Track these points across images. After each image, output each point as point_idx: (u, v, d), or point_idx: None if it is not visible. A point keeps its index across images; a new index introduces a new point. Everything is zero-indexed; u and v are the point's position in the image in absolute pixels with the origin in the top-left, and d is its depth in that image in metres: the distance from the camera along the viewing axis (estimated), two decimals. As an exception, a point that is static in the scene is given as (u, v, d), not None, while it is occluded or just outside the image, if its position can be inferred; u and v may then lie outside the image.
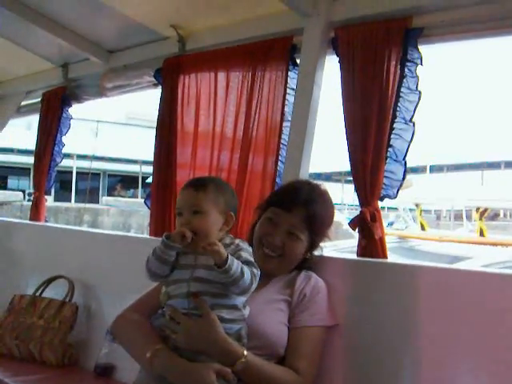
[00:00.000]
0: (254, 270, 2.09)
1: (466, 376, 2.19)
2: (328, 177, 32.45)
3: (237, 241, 2.17)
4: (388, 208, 25.35)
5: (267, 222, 2.41)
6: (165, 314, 2.17)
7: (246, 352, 2.12)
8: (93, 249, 3.82)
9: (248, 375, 2.13)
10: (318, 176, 28.69)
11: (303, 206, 2.34)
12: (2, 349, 3.52)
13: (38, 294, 3.70)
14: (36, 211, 4.67)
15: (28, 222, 4.73)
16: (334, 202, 2.54)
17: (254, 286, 2.08)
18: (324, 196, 2.46)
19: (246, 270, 2.04)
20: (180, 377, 2.06)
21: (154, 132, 3.70)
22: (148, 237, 3.73)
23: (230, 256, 2.00)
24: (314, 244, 2.43)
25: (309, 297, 2.35)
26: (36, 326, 3.52)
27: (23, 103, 5.07)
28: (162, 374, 2.09)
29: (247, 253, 2.12)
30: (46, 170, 4.59)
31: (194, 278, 2.09)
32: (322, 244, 2.49)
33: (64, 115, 4.53)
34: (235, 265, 2.00)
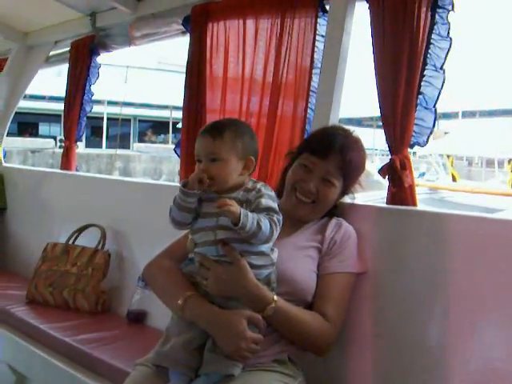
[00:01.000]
0: (275, 217, 2.06)
1: (496, 328, 2.18)
2: (359, 122, 32.21)
3: (258, 185, 2.13)
4: (419, 158, 25.14)
5: (301, 168, 2.39)
6: (193, 260, 2.19)
7: (276, 297, 2.14)
8: (124, 197, 3.87)
9: (277, 320, 2.15)
10: (349, 121, 28.49)
11: (339, 152, 2.32)
12: (36, 296, 3.61)
13: (70, 242, 3.77)
14: (67, 160, 4.70)
15: (59, 170, 4.78)
16: (365, 147, 2.53)
17: (276, 233, 2.07)
18: (358, 143, 2.44)
19: (264, 220, 2.02)
20: (211, 323, 2.08)
21: (183, 77, 3.69)
22: (178, 184, 3.71)
23: (243, 212, 1.97)
24: (346, 190, 2.44)
25: (339, 243, 2.36)
26: (69, 274, 3.60)
27: (52, 53, 5.04)
28: (193, 321, 2.11)
29: (269, 199, 2.09)
30: (76, 118, 4.60)
31: (219, 226, 2.08)
32: (353, 191, 2.49)
33: (93, 64, 4.51)
34: (250, 220, 1.97)
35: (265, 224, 2.01)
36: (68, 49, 4.73)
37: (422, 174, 21.32)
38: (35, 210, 4.56)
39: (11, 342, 3.25)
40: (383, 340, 2.44)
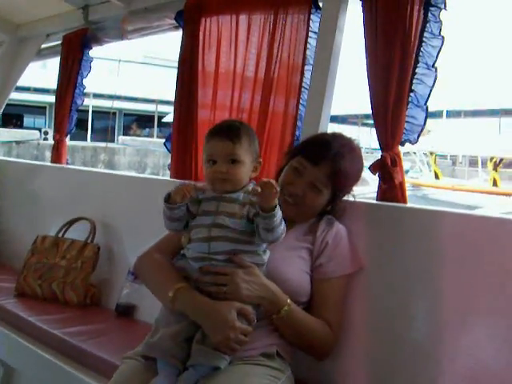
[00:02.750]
0: (283, 216, 2.11)
1: (484, 324, 2.21)
2: (344, 119, 32.20)
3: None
4: (403, 155, 25.17)
5: (292, 170, 2.42)
6: (186, 255, 2.21)
7: (289, 300, 2.19)
8: (114, 191, 3.87)
9: (287, 323, 2.20)
10: (334, 118, 28.48)
11: (331, 160, 2.34)
12: (25, 288, 3.60)
13: (60, 235, 3.77)
14: (57, 153, 4.70)
15: (49, 163, 4.78)
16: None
17: (283, 234, 2.12)
18: (354, 152, 2.45)
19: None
20: (201, 313, 2.10)
21: (169, 71, 3.70)
22: (169, 179, 3.75)
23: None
24: (335, 198, 2.44)
25: (331, 245, 2.37)
26: (58, 267, 3.60)
27: (43, 46, 5.04)
28: (183, 312, 2.13)
29: None
30: (67, 112, 4.60)
31: (215, 223, 2.12)
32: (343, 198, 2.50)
33: (85, 58, 4.51)
34: (279, 213, 2.04)
35: (282, 222, 2.07)
36: (60, 42, 4.73)
37: (407, 172, 21.36)
38: (25, 202, 4.55)
39: (0, 334, 3.24)
40: (373, 336, 2.46)
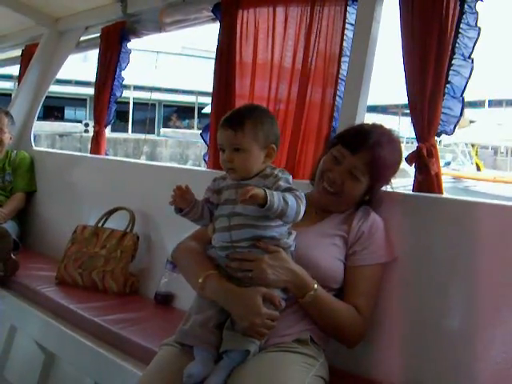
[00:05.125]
0: (297, 193, 2.10)
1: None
2: (384, 109, 31.96)
3: (276, 171, 2.18)
4: (444, 146, 24.92)
5: (331, 159, 2.43)
6: (214, 246, 2.24)
7: (316, 285, 2.20)
8: (152, 181, 3.91)
9: (313, 307, 2.21)
10: (374, 108, 28.28)
11: (369, 149, 2.34)
12: (65, 277, 3.66)
13: (99, 224, 3.82)
14: (97, 144, 4.77)
15: (89, 155, 4.84)
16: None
17: (303, 208, 2.10)
18: (393, 143, 2.45)
19: (289, 196, 2.06)
20: (228, 300, 2.13)
21: (208, 62, 3.74)
22: (206, 169, 3.78)
23: (268, 192, 2.00)
24: (373, 188, 2.44)
25: (367, 235, 2.38)
26: (98, 256, 3.65)
27: (82, 38, 5.10)
28: (212, 298, 2.17)
29: (285, 181, 2.13)
30: (106, 104, 4.68)
31: (233, 212, 2.14)
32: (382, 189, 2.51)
33: (123, 50, 4.57)
34: (276, 198, 2.01)
35: (290, 199, 2.05)
36: (98, 34, 4.80)
37: (448, 163, 21.16)
38: (65, 193, 4.62)
39: (42, 321, 3.31)
40: (408, 325, 2.46)
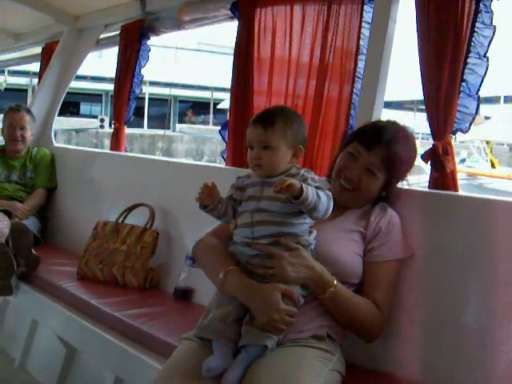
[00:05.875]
0: (327, 191, 2.17)
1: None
2: (399, 105, 31.74)
3: (302, 171, 2.22)
4: (460, 143, 24.76)
5: (347, 156, 2.46)
6: (235, 242, 2.28)
7: (335, 281, 2.23)
8: (172, 178, 3.94)
9: (333, 303, 2.24)
10: (389, 104, 28.12)
11: (385, 145, 2.38)
12: (86, 272, 3.71)
13: (120, 220, 3.86)
14: (116, 141, 4.82)
15: (109, 151, 4.89)
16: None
17: (332, 204, 2.16)
18: (407, 139, 2.48)
19: (320, 192, 2.12)
20: (247, 295, 2.16)
21: (224, 58, 3.77)
22: (225, 166, 3.82)
23: (303, 185, 2.05)
24: (389, 184, 2.46)
25: (384, 231, 2.41)
26: (119, 252, 3.69)
27: (102, 36, 5.15)
28: (232, 294, 2.20)
29: (312, 181, 2.17)
30: (126, 101, 4.72)
31: (257, 208, 2.19)
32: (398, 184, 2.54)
33: (142, 48, 4.61)
34: (310, 191, 2.06)
35: (322, 195, 2.11)
36: (118, 32, 4.83)
37: (463, 160, 21.03)
38: (85, 189, 4.66)
39: (63, 316, 3.36)
40: (425, 322, 2.48)
